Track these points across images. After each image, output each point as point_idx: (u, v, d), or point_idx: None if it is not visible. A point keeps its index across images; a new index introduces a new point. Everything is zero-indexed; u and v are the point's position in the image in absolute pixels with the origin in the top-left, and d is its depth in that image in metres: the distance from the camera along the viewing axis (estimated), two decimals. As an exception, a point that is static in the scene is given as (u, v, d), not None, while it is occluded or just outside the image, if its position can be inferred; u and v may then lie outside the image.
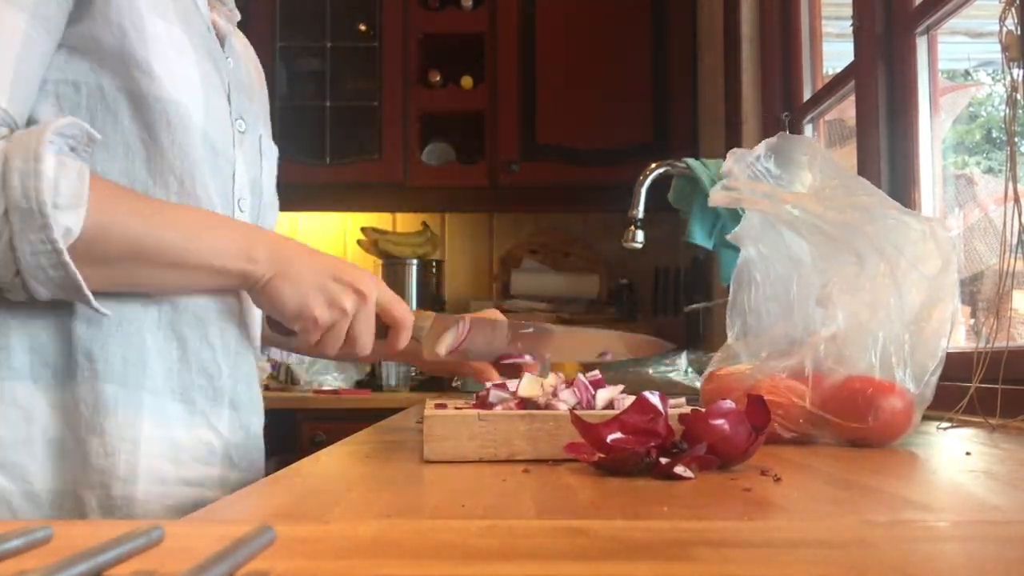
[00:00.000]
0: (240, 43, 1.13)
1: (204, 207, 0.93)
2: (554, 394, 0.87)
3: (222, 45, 1.03)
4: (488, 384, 0.90)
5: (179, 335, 0.92)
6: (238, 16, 1.09)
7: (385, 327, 0.97)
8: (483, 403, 0.88)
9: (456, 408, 0.86)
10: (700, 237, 1.89)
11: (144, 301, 0.90)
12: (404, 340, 0.96)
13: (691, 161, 1.93)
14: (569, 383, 0.90)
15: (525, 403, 0.87)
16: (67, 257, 0.76)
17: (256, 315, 1.01)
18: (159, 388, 0.89)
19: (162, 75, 0.88)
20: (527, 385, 0.89)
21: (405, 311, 0.96)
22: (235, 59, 1.06)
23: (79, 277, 0.78)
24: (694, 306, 2.71)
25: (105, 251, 0.81)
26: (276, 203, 1.16)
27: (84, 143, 0.82)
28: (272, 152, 1.13)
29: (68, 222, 0.76)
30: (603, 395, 0.88)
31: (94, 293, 0.81)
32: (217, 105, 0.97)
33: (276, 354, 1.29)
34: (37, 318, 0.86)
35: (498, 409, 0.85)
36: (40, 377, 0.85)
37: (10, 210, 0.74)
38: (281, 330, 0.95)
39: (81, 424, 0.85)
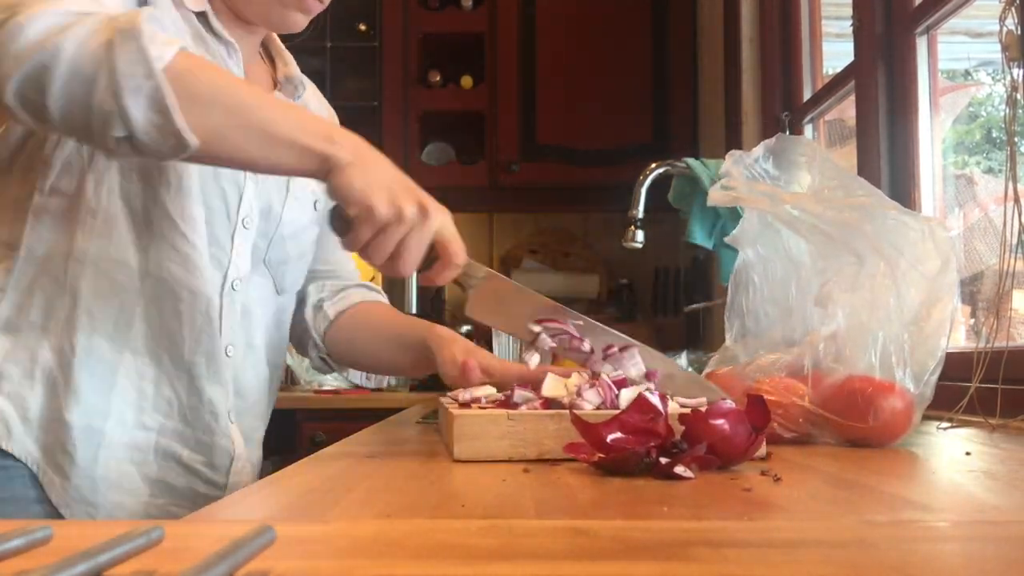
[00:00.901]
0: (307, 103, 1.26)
1: (181, 213, 1.03)
2: (578, 394, 0.87)
3: None
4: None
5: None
6: (302, 91, 1.23)
7: (433, 260, 0.97)
8: (507, 403, 0.88)
9: (480, 408, 0.87)
10: (700, 237, 1.89)
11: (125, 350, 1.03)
12: (449, 276, 0.97)
13: (691, 161, 1.93)
14: (593, 383, 0.89)
15: (549, 403, 0.87)
16: (159, 66, 0.83)
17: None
18: (140, 349, 1.04)
19: None
20: (551, 385, 0.89)
21: (460, 250, 0.97)
22: None
23: (168, 86, 0.84)
24: (694, 306, 2.71)
25: (197, 89, 0.86)
26: (307, 235, 1.23)
27: None
28: (304, 194, 1.19)
29: (162, 48, 0.85)
30: (627, 395, 0.87)
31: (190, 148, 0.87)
32: None
33: (356, 378, 1.33)
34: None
35: (523, 409, 0.84)
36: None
37: (114, 36, 0.84)
38: (339, 226, 0.96)
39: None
